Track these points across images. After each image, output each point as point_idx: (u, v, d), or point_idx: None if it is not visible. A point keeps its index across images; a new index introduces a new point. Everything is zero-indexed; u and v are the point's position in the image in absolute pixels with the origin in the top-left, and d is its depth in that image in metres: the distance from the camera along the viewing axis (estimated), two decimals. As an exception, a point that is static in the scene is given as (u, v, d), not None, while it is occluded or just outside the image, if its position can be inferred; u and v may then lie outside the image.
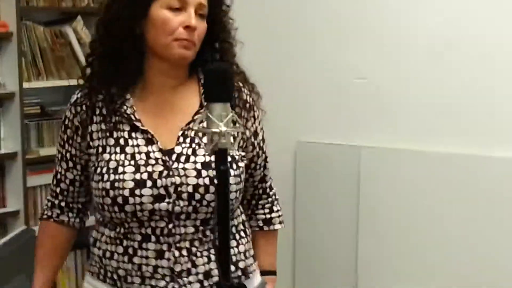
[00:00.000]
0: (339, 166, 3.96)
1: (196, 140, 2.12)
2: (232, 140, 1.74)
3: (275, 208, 2.39)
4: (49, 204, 2.29)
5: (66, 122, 2.20)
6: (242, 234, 2.24)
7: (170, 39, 2.08)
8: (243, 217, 2.28)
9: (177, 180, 2.07)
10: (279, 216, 2.39)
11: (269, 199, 2.38)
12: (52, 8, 4.30)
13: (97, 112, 2.16)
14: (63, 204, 2.27)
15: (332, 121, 4.02)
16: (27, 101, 4.19)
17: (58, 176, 2.26)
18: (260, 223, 2.37)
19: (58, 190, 2.27)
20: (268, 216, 2.37)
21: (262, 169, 2.32)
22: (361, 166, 3.87)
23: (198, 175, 2.08)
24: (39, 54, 4.23)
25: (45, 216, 2.30)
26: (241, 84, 2.22)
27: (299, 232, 4.12)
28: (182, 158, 2.10)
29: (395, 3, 3.76)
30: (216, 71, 1.81)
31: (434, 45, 3.66)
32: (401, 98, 3.78)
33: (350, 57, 3.92)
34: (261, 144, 2.29)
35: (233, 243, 2.19)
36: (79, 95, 2.19)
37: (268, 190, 2.37)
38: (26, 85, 4.12)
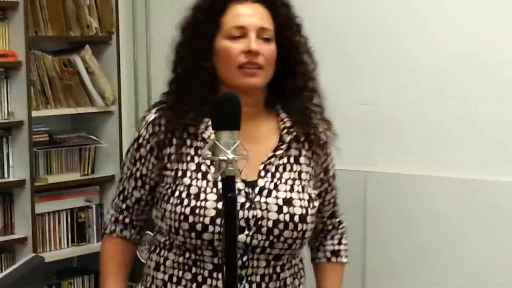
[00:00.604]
0: (345, 191, 3.94)
1: (278, 175, 2.13)
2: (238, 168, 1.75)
3: (343, 241, 2.37)
4: (113, 219, 2.26)
5: (141, 140, 2.17)
6: (302, 273, 2.24)
7: (234, 67, 2.09)
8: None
9: (259, 213, 2.07)
10: (346, 250, 2.37)
11: (339, 231, 2.37)
12: (61, 37, 4.34)
13: (177, 134, 2.14)
14: (127, 220, 2.25)
15: (338, 146, 4.03)
16: (35, 129, 4.23)
17: (125, 192, 2.23)
18: (328, 254, 2.34)
19: (124, 206, 2.24)
20: (336, 247, 2.35)
21: (331, 205, 2.31)
22: (367, 191, 3.89)
23: (279, 210, 2.09)
24: (48, 83, 4.27)
25: (107, 231, 2.27)
26: (317, 121, 2.22)
27: (305, 259, 4.12)
28: (265, 192, 2.10)
29: (401, 29, 3.78)
30: (224, 99, 1.83)
31: (440, 71, 3.69)
32: (407, 124, 3.80)
33: (355, 83, 3.94)
34: (331, 181, 2.28)
35: (296, 282, 2.20)
36: (156, 115, 2.17)
37: (337, 224, 2.37)
38: (34, 113, 4.16)
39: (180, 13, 2.24)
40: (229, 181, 1.71)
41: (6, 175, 4.17)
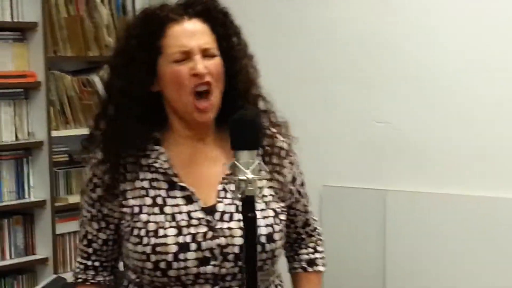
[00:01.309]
0: (364, 210, 3.96)
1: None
2: (258, 189, 1.72)
3: (319, 249, 2.27)
4: (82, 266, 2.15)
5: (95, 180, 2.06)
6: None
7: (186, 93, 1.99)
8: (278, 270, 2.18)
9: (223, 241, 1.98)
10: (322, 258, 2.27)
11: (313, 238, 2.27)
12: (79, 57, 4.37)
13: (129, 169, 2.05)
14: (97, 264, 2.14)
15: (357, 165, 4.03)
16: (55, 149, 4.25)
17: (89, 236, 2.11)
18: (304, 264, 2.25)
19: (90, 250, 2.13)
20: (312, 256, 2.26)
21: (303, 214, 2.23)
22: (387, 209, 3.88)
23: None
24: (67, 103, 4.29)
25: (80, 280, 2.15)
26: (274, 130, 2.13)
27: (325, 276, 4.11)
28: (226, 217, 2.01)
29: (417, 47, 3.78)
30: (242, 119, 1.79)
31: (457, 89, 3.68)
32: (425, 141, 3.78)
33: (373, 101, 3.94)
34: (300, 189, 2.19)
35: None
36: (103, 152, 2.05)
37: (311, 232, 2.27)
38: (54, 133, 4.18)
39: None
40: (248, 201, 1.70)
41: (26, 196, 4.20)
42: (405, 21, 3.81)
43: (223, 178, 2.04)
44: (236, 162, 1.72)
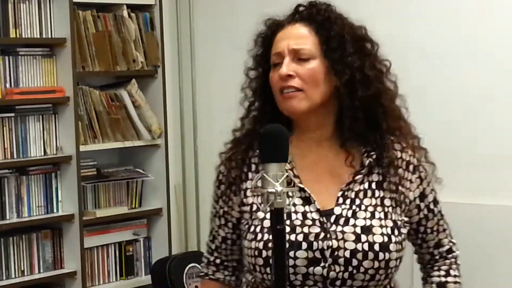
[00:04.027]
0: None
1: (357, 202, 2.04)
2: (287, 199, 1.73)
3: (452, 273, 2.19)
4: (205, 261, 2.23)
5: (220, 177, 2.15)
6: None
7: (277, 94, 2.06)
8: None
9: (334, 243, 1.99)
10: (456, 282, 2.18)
11: (447, 261, 2.20)
12: (107, 72, 4.39)
13: (253, 168, 2.11)
14: (218, 261, 2.21)
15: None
16: (83, 163, 4.27)
17: (213, 232, 2.20)
18: (434, 286, 2.18)
19: (213, 246, 2.20)
20: (443, 279, 2.18)
21: (435, 233, 2.17)
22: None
23: (357, 239, 1.99)
24: (95, 117, 4.32)
25: (202, 274, 2.23)
26: (404, 144, 2.13)
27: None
28: (341, 221, 2.02)
29: (446, 58, 3.77)
30: (269, 132, 1.81)
31: (483, 100, 3.67)
32: (455, 152, 3.77)
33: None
34: (431, 206, 2.15)
35: None
36: (232, 150, 2.15)
37: (445, 254, 2.20)
38: (82, 148, 4.21)
39: (225, 47, 2.25)
40: (277, 213, 1.70)
41: (55, 210, 4.22)
42: (436, 33, 3.80)
43: (346, 185, 2.05)
44: (265, 175, 1.73)
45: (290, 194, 1.75)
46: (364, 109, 2.06)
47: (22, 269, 4.12)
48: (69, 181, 4.20)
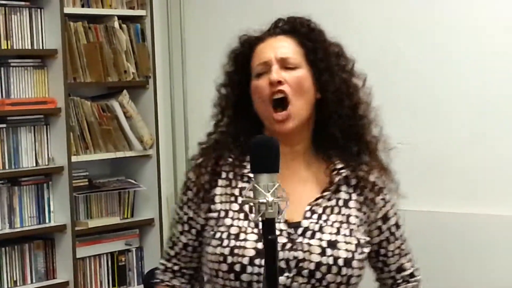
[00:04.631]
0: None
1: (324, 217, 2.07)
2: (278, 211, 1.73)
3: None
4: (162, 267, 2.22)
5: (188, 183, 2.15)
6: None
7: (266, 103, 2.06)
8: None
9: (300, 255, 2.01)
10: None
11: (409, 285, 2.19)
12: (99, 83, 4.41)
13: (223, 175, 2.13)
14: (176, 268, 2.20)
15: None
16: (75, 174, 4.28)
17: (173, 238, 2.19)
18: None
19: (172, 253, 2.19)
20: None
21: (397, 257, 2.17)
22: (406, 229, 3.87)
23: (323, 253, 2.01)
24: (87, 128, 4.33)
25: (158, 280, 2.22)
26: (372, 165, 2.14)
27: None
28: (308, 233, 2.04)
29: (436, 69, 3.79)
30: (261, 142, 1.82)
31: (478, 109, 3.68)
32: (444, 162, 3.79)
33: (392, 122, 3.94)
34: (393, 230, 2.16)
35: None
36: (203, 157, 2.16)
37: (408, 278, 2.19)
38: (74, 158, 4.22)
39: (216, 58, 2.27)
40: (269, 224, 1.71)
41: (47, 220, 4.23)
42: (425, 42, 3.82)
43: (315, 200, 2.07)
44: (256, 185, 1.74)
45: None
46: (345, 119, 2.10)
47: (15, 279, 4.12)
48: (61, 192, 4.21)
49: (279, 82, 2.06)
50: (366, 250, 2.09)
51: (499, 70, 3.62)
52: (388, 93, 3.93)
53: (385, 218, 2.15)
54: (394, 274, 2.19)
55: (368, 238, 2.12)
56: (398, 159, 3.89)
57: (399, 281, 2.19)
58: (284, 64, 2.08)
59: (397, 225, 2.18)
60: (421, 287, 2.22)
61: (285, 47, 2.10)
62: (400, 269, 2.19)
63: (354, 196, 2.12)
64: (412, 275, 2.20)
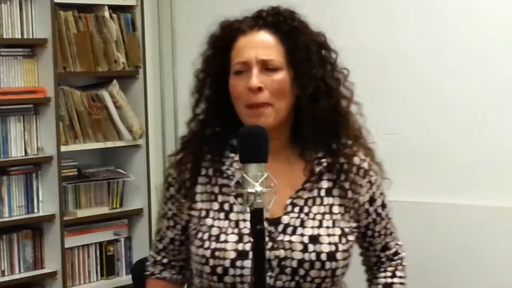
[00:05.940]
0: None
1: (306, 210, 2.05)
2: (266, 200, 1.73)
3: (398, 274, 2.19)
4: (152, 260, 2.23)
5: (170, 179, 2.15)
6: None
7: (242, 106, 2.03)
8: None
9: (282, 253, 2.00)
10: (401, 284, 2.18)
11: (393, 263, 2.20)
12: (89, 72, 4.40)
13: (203, 172, 2.11)
14: (165, 261, 2.21)
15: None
16: (64, 163, 4.27)
17: (161, 232, 2.20)
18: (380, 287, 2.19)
19: (160, 246, 2.20)
20: (389, 280, 2.18)
21: (383, 237, 2.18)
22: (396, 221, 3.87)
23: (304, 249, 2.00)
24: (76, 118, 4.32)
25: (148, 273, 2.24)
26: (355, 149, 2.12)
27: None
28: (289, 230, 2.02)
29: (427, 59, 3.79)
30: (250, 132, 1.83)
31: (465, 100, 3.69)
32: (432, 152, 3.79)
33: (381, 112, 3.95)
34: (379, 210, 2.16)
35: None
36: (183, 153, 2.14)
37: (392, 256, 2.21)
38: (63, 148, 4.21)
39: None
40: (257, 214, 1.72)
41: (36, 210, 4.22)
42: (414, 33, 3.82)
43: (295, 192, 2.06)
44: (244, 175, 1.74)
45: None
46: (324, 117, 2.07)
47: (3, 269, 4.11)
48: (50, 181, 4.20)
49: (259, 89, 2.01)
50: (352, 237, 2.09)
51: (488, 60, 3.63)
52: (377, 83, 3.96)
53: (372, 200, 2.14)
54: (379, 253, 2.20)
55: (354, 224, 2.11)
56: (387, 150, 3.93)
57: (383, 259, 2.21)
58: (265, 66, 2.04)
59: (383, 205, 2.18)
60: (405, 263, 2.23)
61: (267, 46, 2.05)
62: (385, 248, 2.20)
63: (338, 183, 2.09)
64: (396, 253, 2.21)
